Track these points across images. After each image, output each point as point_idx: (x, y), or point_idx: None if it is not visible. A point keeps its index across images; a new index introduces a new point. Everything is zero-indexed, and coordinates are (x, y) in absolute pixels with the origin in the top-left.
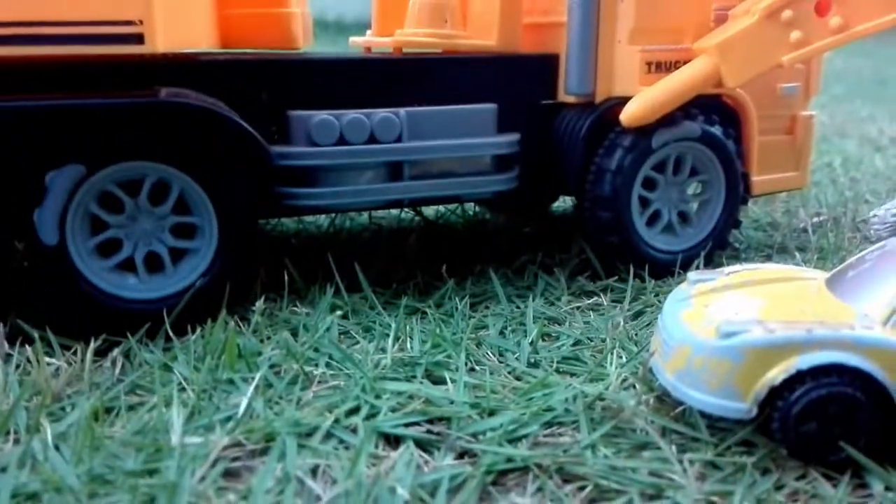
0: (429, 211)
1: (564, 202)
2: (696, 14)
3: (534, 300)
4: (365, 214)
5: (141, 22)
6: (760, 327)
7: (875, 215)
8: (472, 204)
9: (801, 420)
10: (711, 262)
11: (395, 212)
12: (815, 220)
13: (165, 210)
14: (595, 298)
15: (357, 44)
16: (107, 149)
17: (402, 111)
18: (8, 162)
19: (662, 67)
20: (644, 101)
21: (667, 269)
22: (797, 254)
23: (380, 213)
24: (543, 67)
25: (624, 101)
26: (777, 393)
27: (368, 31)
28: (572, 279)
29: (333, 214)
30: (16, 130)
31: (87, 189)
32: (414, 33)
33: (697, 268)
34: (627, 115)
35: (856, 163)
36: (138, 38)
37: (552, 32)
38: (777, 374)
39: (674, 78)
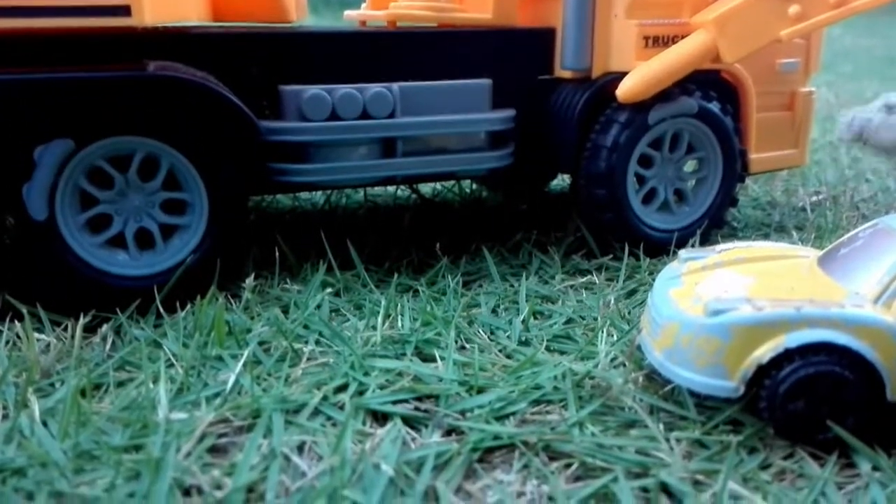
0: (425, 188)
1: (563, 180)
2: None
3: (527, 278)
4: (360, 192)
5: None
6: (749, 305)
7: (843, 116)
8: (469, 181)
9: (788, 399)
10: (708, 241)
11: (391, 189)
12: (815, 198)
13: (155, 186)
14: (589, 277)
15: (352, 17)
16: (95, 123)
17: (395, 86)
18: None
19: (660, 42)
20: (641, 76)
21: (662, 248)
22: (794, 232)
23: (376, 190)
24: (539, 42)
25: (621, 76)
26: (765, 371)
27: (364, 5)
28: (567, 257)
29: (328, 192)
30: (3, 104)
31: (76, 164)
32: (408, 6)
33: (693, 246)
34: (624, 91)
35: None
36: (125, 10)
37: (548, 6)
38: (765, 352)
39: (671, 53)
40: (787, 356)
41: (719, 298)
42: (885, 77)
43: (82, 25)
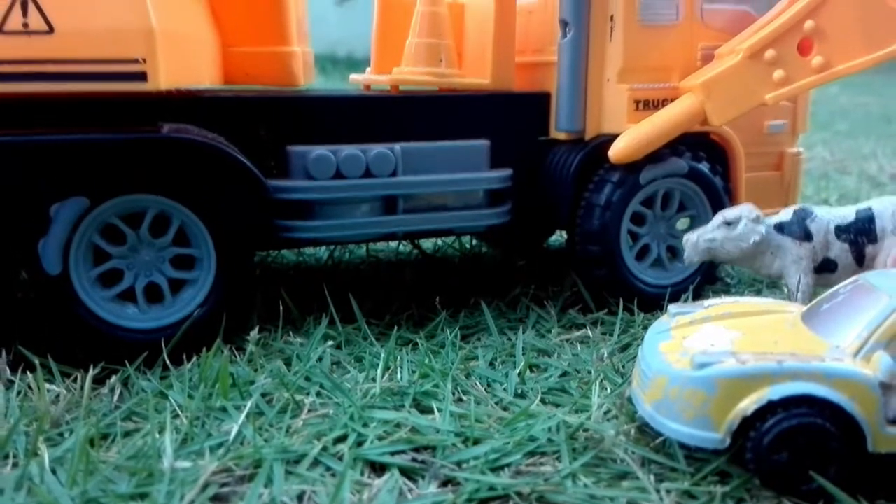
0: (426, 244)
1: (560, 236)
2: (683, 53)
3: (524, 332)
4: (363, 247)
5: (144, 60)
6: (733, 358)
7: (688, 239)
8: (469, 237)
9: (772, 450)
10: (701, 297)
11: (392, 245)
12: None
13: (166, 242)
14: (584, 331)
15: (356, 81)
16: (110, 182)
17: (397, 146)
18: (14, 193)
19: (650, 105)
20: (632, 138)
21: (656, 303)
22: (785, 289)
23: (378, 246)
24: (535, 105)
25: (613, 137)
26: (749, 423)
27: (368, 69)
28: (563, 312)
29: (331, 247)
30: (23, 163)
31: (91, 221)
32: (410, 71)
33: (686, 301)
34: (616, 152)
35: (853, 199)
36: (141, 76)
37: (544, 71)
38: (749, 404)
39: (661, 115)
40: (770, 408)
41: (705, 352)
42: (881, 135)
43: (101, 90)
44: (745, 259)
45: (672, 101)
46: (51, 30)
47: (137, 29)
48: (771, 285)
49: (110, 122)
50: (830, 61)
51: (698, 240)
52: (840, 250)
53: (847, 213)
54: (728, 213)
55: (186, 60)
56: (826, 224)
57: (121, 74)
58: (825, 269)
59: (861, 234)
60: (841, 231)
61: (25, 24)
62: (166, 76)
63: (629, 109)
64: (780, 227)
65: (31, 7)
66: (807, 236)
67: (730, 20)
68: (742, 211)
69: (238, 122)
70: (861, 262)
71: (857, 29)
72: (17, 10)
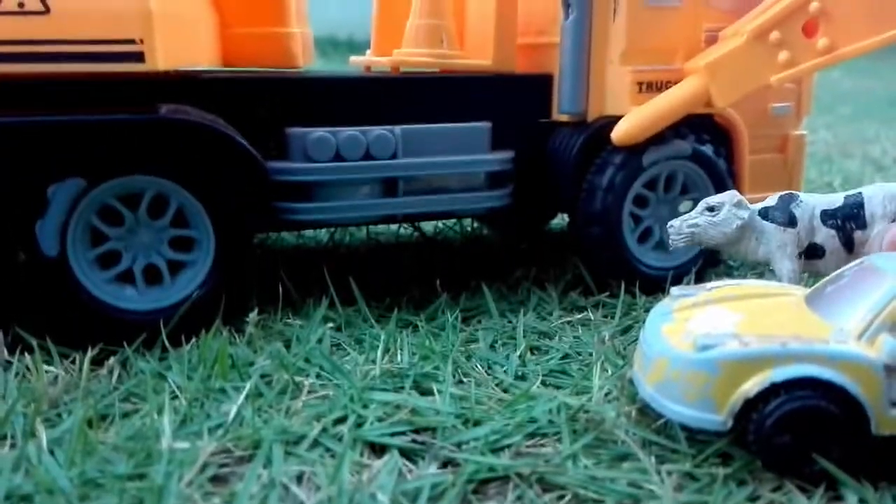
0: (427, 227)
1: (562, 219)
2: (687, 35)
3: (525, 315)
4: (363, 230)
5: (141, 41)
6: (736, 340)
7: (671, 226)
8: (470, 220)
9: (775, 432)
10: (703, 279)
11: (393, 227)
12: None
13: (164, 223)
14: (586, 313)
15: (357, 63)
16: (107, 163)
17: (397, 129)
18: (11, 175)
19: (653, 87)
20: (634, 119)
21: (658, 286)
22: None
23: (378, 228)
24: (537, 87)
25: (615, 120)
26: (752, 405)
27: (368, 51)
28: (565, 294)
29: (331, 229)
30: (20, 145)
31: (88, 202)
32: (411, 53)
33: (689, 284)
34: (618, 134)
35: (856, 182)
36: (139, 57)
37: (546, 53)
38: (752, 386)
39: (664, 97)
40: (773, 391)
41: (708, 334)
42: (885, 118)
43: (98, 71)
44: (730, 244)
45: (675, 83)
46: (46, 10)
47: (134, 9)
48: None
49: (108, 102)
50: (835, 43)
51: (681, 225)
52: (826, 236)
53: (834, 199)
54: (711, 199)
55: (184, 41)
56: (811, 209)
57: (118, 55)
58: (812, 255)
59: (849, 220)
60: (827, 216)
61: (21, 5)
62: (164, 57)
63: (632, 91)
64: (765, 213)
65: None
66: (790, 222)
67: (734, 2)
68: (724, 197)
69: (237, 103)
70: (850, 247)
71: (862, 11)
72: None
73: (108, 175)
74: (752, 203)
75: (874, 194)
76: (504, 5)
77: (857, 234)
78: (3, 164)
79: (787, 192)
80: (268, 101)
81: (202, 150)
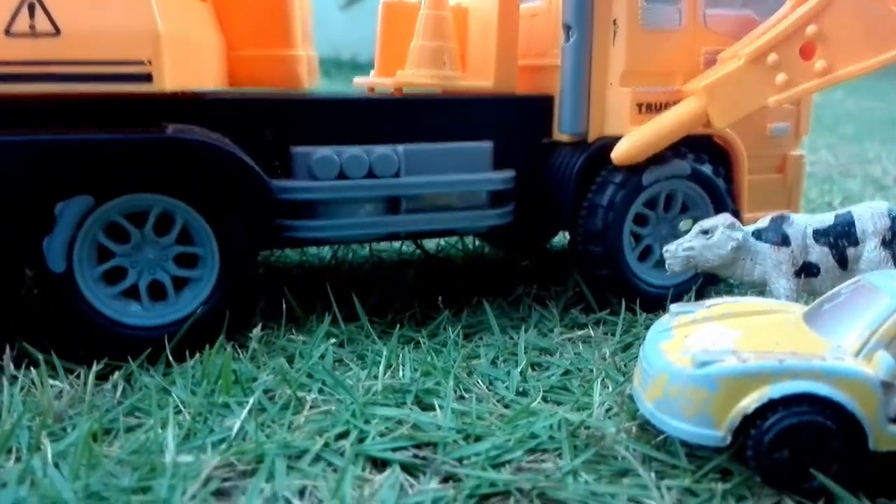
0: (429, 244)
1: (564, 237)
2: (686, 58)
3: (527, 331)
4: (366, 247)
5: (150, 62)
6: (734, 357)
7: (667, 250)
8: (472, 238)
9: (773, 448)
10: (703, 297)
11: (396, 245)
12: None
13: (169, 240)
14: (586, 330)
15: (360, 84)
16: (115, 181)
17: (400, 147)
18: (21, 192)
19: (653, 108)
20: (634, 140)
21: (658, 303)
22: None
23: (381, 245)
24: (538, 108)
25: (615, 140)
26: (750, 421)
27: (372, 72)
28: (566, 311)
29: (335, 246)
30: (30, 162)
31: (95, 219)
32: (414, 74)
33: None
34: (619, 154)
35: (856, 202)
36: (147, 77)
37: (547, 74)
38: (750, 402)
39: (663, 118)
40: (771, 406)
41: (706, 350)
42: (886, 139)
43: (107, 91)
44: (726, 266)
45: (674, 104)
46: (57, 32)
47: (143, 31)
48: None
49: (116, 122)
50: (833, 65)
51: (677, 249)
52: (820, 254)
53: (825, 218)
54: (705, 222)
55: (191, 62)
56: (803, 228)
57: (126, 76)
58: (808, 273)
59: (841, 238)
60: (819, 235)
61: (32, 27)
62: (171, 78)
63: (632, 112)
64: (758, 234)
65: (38, 9)
66: (784, 241)
67: (733, 25)
68: (718, 220)
69: (242, 123)
70: (844, 265)
71: (859, 33)
72: (24, 12)
73: (116, 193)
74: (745, 225)
75: (864, 212)
76: (505, 28)
77: (850, 251)
78: (13, 181)
79: (777, 213)
80: (273, 121)
81: (208, 168)
